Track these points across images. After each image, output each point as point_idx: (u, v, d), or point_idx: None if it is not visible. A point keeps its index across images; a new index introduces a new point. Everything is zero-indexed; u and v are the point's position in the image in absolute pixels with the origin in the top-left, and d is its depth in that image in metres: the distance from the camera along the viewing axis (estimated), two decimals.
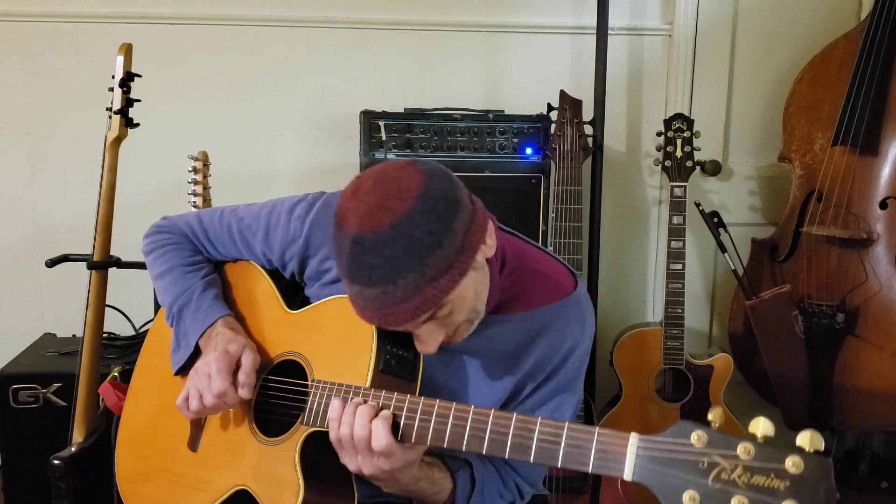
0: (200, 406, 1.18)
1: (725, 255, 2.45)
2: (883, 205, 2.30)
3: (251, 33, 2.58)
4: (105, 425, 1.69)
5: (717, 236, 2.44)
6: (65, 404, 2.02)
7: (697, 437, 0.85)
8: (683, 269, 2.33)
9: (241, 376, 1.18)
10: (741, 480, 0.82)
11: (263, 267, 1.34)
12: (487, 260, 1.13)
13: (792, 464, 0.81)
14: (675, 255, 2.33)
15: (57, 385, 2.05)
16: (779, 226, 2.54)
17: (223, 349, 1.19)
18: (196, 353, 1.27)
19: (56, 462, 1.65)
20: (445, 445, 1.03)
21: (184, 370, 1.28)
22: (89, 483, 1.67)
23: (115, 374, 1.88)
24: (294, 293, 1.33)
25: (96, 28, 2.51)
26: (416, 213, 0.99)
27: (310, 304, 1.26)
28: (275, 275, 1.34)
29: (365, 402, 1.06)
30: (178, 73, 2.56)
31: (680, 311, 2.33)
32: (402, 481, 1.10)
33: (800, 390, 2.43)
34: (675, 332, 2.34)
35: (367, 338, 1.12)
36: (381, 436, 1.03)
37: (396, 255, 0.98)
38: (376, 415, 1.05)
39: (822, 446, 0.82)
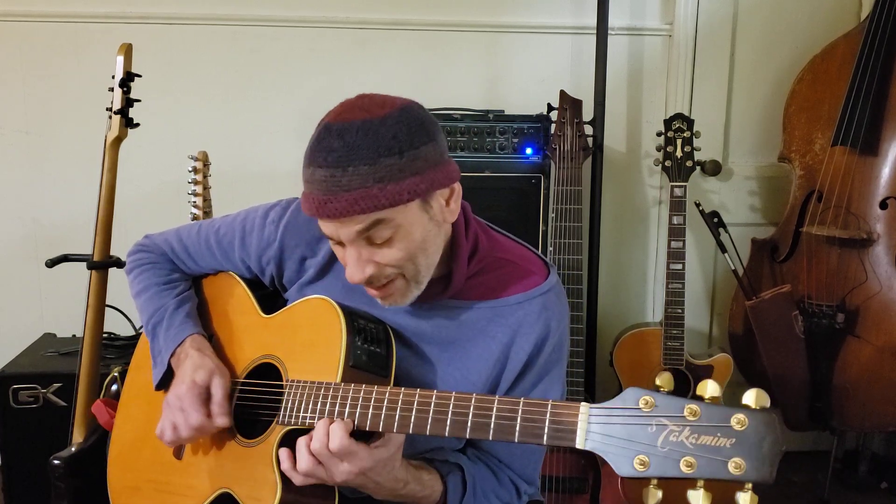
0: (177, 438, 1.20)
1: (725, 255, 2.45)
2: (883, 205, 2.30)
3: (251, 33, 2.58)
4: (102, 429, 1.69)
5: (717, 236, 2.44)
6: (65, 404, 2.02)
7: (645, 401, 0.87)
8: (683, 269, 2.33)
9: (215, 407, 1.20)
10: (689, 441, 0.84)
11: (243, 275, 1.36)
12: (456, 239, 1.17)
13: (737, 421, 0.82)
14: (675, 255, 2.33)
15: (57, 385, 2.05)
16: (779, 226, 2.54)
17: (190, 380, 1.20)
18: (170, 370, 1.29)
19: (56, 462, 1.65)
20: (411, 432, 1.03)
21: (163, 385, 1.31)
22: (89, 483, 1.67)
23: (116, 373, 1.88)
24: (276, 300, 1.35)
25: (96, 28, 2.51)
26: (389, 119, 1.04)
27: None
28: (254, 283, 1.36)
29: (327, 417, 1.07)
30: (178, 73, 2.56)
31: (680, 311, 2.33)
32: (385, 485, 1.10)
33: (800, 390, 2.43)
34: (675, 332, 2.34)
35: (336, 334, 1.13)
36: (336, 436, 1.03)
37: (356, 145, 1.02)
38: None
39: (767, 403, 0.84)
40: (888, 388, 2.33)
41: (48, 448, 1.72)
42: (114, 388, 1.87)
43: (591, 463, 2.30)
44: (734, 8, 2.67)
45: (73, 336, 2.33)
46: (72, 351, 2.13)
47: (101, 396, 1.82)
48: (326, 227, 1.09)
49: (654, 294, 2.81)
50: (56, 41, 2.53)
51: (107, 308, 1.84)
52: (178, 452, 1.30)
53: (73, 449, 1.71)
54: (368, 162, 1.02)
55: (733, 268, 2.47)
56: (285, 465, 1.08)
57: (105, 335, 1.88)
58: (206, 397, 1.21)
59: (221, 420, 1.19)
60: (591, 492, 2.31)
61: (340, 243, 1.11)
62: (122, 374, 1.87)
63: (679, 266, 2.33)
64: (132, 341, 2.21)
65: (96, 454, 1.70)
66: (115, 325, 2.16)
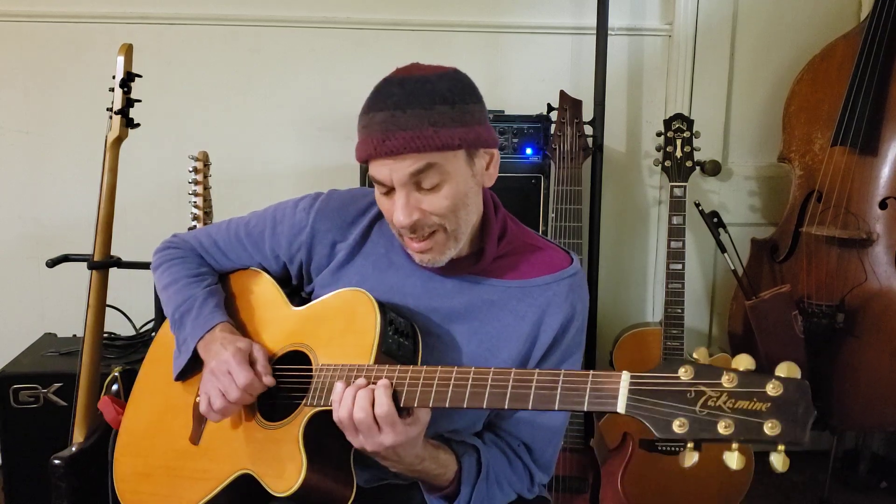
0: (226, 403, 1.21)
1: (725, 255, 2.45)
2: (882, 205, 2.30)
3: (251, 33, 2.58)
4: (104, 428, 1.70)
5: (716, 236, 2.44)
6: (65, 404, 2.02)
7: (685, 370, 0.90)
8: (683, 269, 2.33)
9: (260, 367, 1.23)
10: (727, 406, 0.87)
11: (271, 267, 1.39)
12: (486, 216, 1.25)
13: (772, 387, 0.85)
14: (675, 255, 2.33)
15: (57, 385, 2.05)
16: (778, 226, 2.54)
17: (234, 347, 1.23)
18: (194, 359, 1.30)
19: (56, 462, 1.65)
20: (448, 405, 1.05)
21: (183, 376, 1.33)
22: (89, 483, 1.67)
23: (116, 373, 1.88)
24: (302, 297, 1.37)
25: (96, 28, 2.52)
26: (444, 77, 1.16)
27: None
28: (281, 280, 1.38)
29: (367, 384, 1.09)
30: (178, 73, 2.56)
31: (680, 311, 2.33)
32: (405, 460, 1.12)
33: None
34: (674, 332, 2.34)
35: (371, 322, 1.16)
36: (382, 402, 1.05)
37: (413, 92, 1.13)
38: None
39: (798, 375, 0.86)
40: (888, 388, 2.33)
41: (48, 448, 1.72)
42: (114, 387, 1.87)
43: (592, 462, 2.31)
44: (734, 8, 2.67)
45: (74, 336, 2.33)
46: (72, 351, 2.13)
47: (102, 396, 1.83)
48: (381, 169, 1.14)
49: (654, 294, 2.81)
50: (56, 41, 2.53)
51: (107, 308, 1.84)
52: (196, 438, 1.30)
53: (73, 449, 1.71)
54: (425, 106, 1.11)
55: (733, 268, 2.47)
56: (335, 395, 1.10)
57: (105, 335, 1.89)
58: (250, 362, 1.23)
59: (268, 379, 1.22)
60: (591, 491, 2.31)
61: (389, 192, 1.16)
62: (123, 374, 1.87)
63: (679, 266, 2.33)
64: (132, 341, 2.22)
65: (96, 454, 1.70)
66: (115, 325, 2.17)
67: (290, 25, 2.58)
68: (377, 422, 1.06)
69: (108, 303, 1.84)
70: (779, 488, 2.67)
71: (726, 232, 2.46)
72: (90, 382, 1.79)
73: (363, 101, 1.19)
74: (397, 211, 1.15)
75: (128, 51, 1.80)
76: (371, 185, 1.22)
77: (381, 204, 1.20)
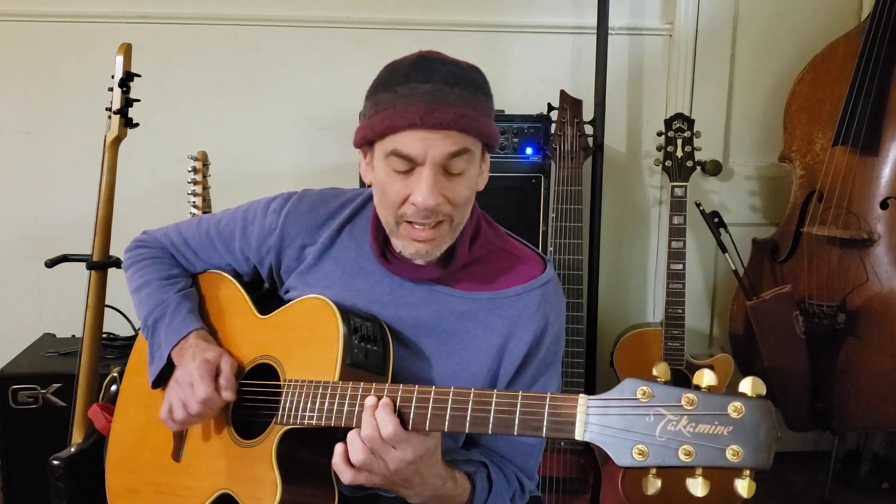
0: (186, 415, 1.19)
1: (726, 255, 2.45)
2: (884, 205, 2.29)
3: (251, 33, 2.58)
4: (99, 435, 1.70)
5: (717, 236, 2.44)
6: (64, 404, 2.02)
7: (643, 392, 0.88)
8: (684, 269, 2.33)
9: (222, 380, 1.19)
10: (687, 430, 0.84)
11: (241, 268, 1.36)
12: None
13: (733, 409, 0.83)
14: (676, 256, 2.33)
15: (56, 385, 2.05)
16: (779, 226, 2.54)
17: (202, 358, 1.20)
18: (169, 366, 1.28)
19: (55, 462, 1.65)
20: (410, 428, 1.03)
21: (159, 383, 1.30)
22: (88, 483, 1.67)
23: (115, 374, 1.88)
24: (270, 302, 1.34)
25: (96, 28, 2.51)
26: (472, 68, 1.12)
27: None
28: (250, 284, 1.36)
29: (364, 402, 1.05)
30: (177, 73, 2.56)
31: (680, 311, 2.33)
32: (428, 481, 1.08)
33: (800, 391, 2.42)
34: (675, 332, 2.34)
35: (333, 333, 1.13)
36: (387, 424, 1.01)
37: (456, 73, 1.08)
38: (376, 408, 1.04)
39: (763, 391, 0.84)
40: (889, 388, 2.32)
41: (48, 448, 1.72)
42: (113, 388, 1.86)
43: (592, 464, 2.30)
44: (735, 8, 2.67)
45: (73, 336, 2.33)
46: (71, 351, 2.13)
47: (101, 397, 1.82)
48: (415, 143, 1.06)
49: (655, 294, 2.81)
50: (56, 41, 2.53)
51: (106, 308, 1.84)
52: (177, 454, 1.29)
53: (72, 449, 1.70)
54: (470, 90, 1.08)
55: (734, 268, 2.47)
56: (336, 459, 1.05)
57: (104, 335, 1.88)
58: (216, 374, 1.20)
59: (227, 394, 1.18)
60: (592, 493, 2.31)
61: (408, 171, 1.09)
62: (122, 375, 1.87)
63: (679, 266, 2.33)
64: (132, 341, 2.19)
65: (95, 455, 1.69)
66: (114, 325, 2.16)
67: (289, 25, 2.58)
68: (386, 441, 1.02)
69: (107, 303, 1.84)
70: (780, 489, 2.66)
71: (727, 232, 2.46)
72: (89, 383, 1.79)
73: (363, 100, 1.17)
74: (423, 190, 1.07)
75: (127, 50, 1.80)
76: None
77: (391, 185, 1.11)
